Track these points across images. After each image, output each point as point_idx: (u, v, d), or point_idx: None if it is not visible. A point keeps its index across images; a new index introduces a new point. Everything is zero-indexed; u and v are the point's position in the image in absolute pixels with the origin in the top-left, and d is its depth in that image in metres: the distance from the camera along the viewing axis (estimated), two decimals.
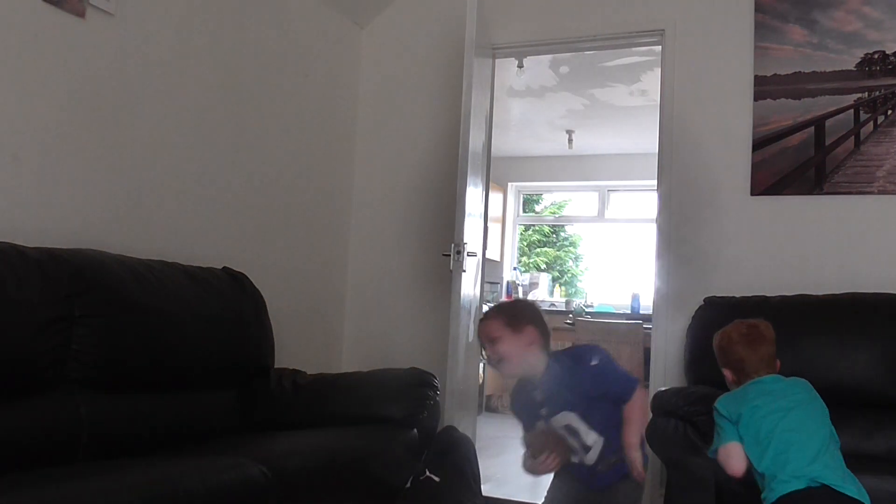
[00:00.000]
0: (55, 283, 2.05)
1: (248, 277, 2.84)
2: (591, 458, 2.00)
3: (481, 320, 2.12)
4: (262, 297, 2.85)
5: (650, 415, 2.03)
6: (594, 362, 1.95)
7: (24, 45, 2.29)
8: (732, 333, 2.17)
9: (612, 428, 1.95)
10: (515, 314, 2.05)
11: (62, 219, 2.42)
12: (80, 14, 2.46)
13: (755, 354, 2.11)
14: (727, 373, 2.15)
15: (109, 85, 2.59)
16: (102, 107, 2.57)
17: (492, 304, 2.12)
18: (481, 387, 6.36)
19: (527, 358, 2.01)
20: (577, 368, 1.98)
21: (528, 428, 2.10)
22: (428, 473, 2.42)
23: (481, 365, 6.02)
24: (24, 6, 2.28)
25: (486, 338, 2.06)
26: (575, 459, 2.02)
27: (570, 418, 1.99)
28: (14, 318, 1.92)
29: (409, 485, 2.40)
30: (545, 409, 2.03)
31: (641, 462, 1.91)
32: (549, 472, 2.05)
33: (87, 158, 2.52)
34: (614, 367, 1.99)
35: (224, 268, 2.80)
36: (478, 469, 2.68)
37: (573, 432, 2.00)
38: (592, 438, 1.97)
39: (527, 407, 2.08)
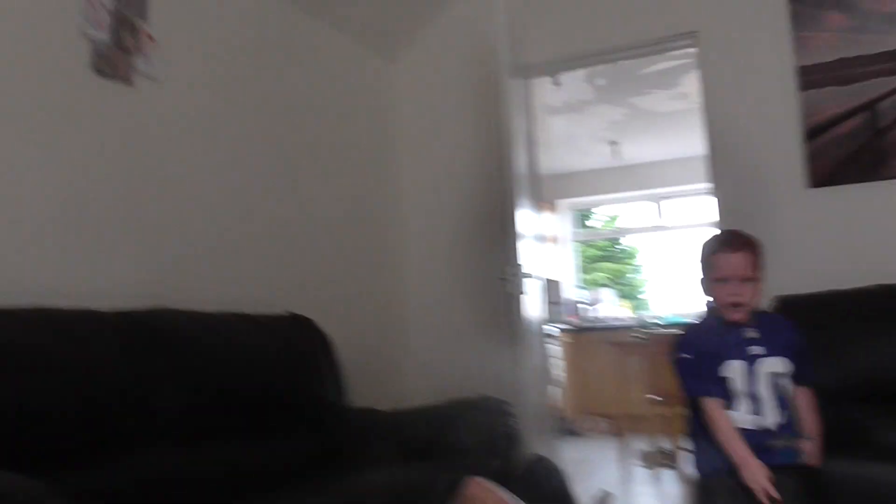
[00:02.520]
0: (132, 343, 2.12)
1: (312, 321, 2.89)
2: (772, 419, 1.86)
3: (731, 252, 1.94)
4: (327, 338, 2.90)
5: None
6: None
7: (76, 115, 2.40)
8: None
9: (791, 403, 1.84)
10: (760, 254, 1.92)
11: (130, 281, 2.50)
12: (129, 82, 2.57)
13: None
14: None
15: (159, 147, 2.69)
16: (154, 170, 2.66)
17: (725, 231, 2.02)
18: (558, 409, 6.26)
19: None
20: (788, 323, 1.92)
21: (712, 365, 1.94)
22: None
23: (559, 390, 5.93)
24: (76, 77, 2.39)
25: (735, 276, 1.93)
26: (748, 415, 1.86)
27: (781, 365, 1.89)
28: (96, 379, 1.99)
29: None
30: (761, 348, 1.91)
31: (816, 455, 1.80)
32: None
33: (145, 220, 2.61)
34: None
35: (289, 313, 2.86)
36: (570, 499, 2.62)
37: (775, 381, 1.87)
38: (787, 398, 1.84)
39: (720, 345, 1.97)
